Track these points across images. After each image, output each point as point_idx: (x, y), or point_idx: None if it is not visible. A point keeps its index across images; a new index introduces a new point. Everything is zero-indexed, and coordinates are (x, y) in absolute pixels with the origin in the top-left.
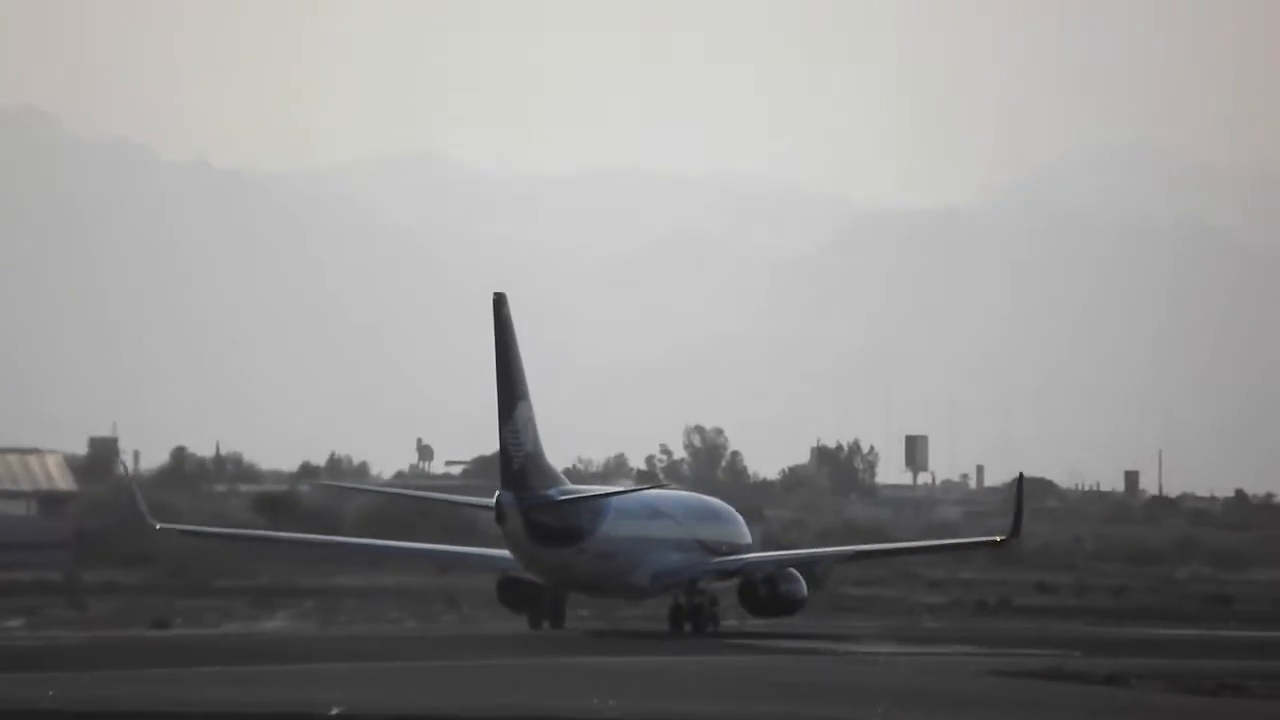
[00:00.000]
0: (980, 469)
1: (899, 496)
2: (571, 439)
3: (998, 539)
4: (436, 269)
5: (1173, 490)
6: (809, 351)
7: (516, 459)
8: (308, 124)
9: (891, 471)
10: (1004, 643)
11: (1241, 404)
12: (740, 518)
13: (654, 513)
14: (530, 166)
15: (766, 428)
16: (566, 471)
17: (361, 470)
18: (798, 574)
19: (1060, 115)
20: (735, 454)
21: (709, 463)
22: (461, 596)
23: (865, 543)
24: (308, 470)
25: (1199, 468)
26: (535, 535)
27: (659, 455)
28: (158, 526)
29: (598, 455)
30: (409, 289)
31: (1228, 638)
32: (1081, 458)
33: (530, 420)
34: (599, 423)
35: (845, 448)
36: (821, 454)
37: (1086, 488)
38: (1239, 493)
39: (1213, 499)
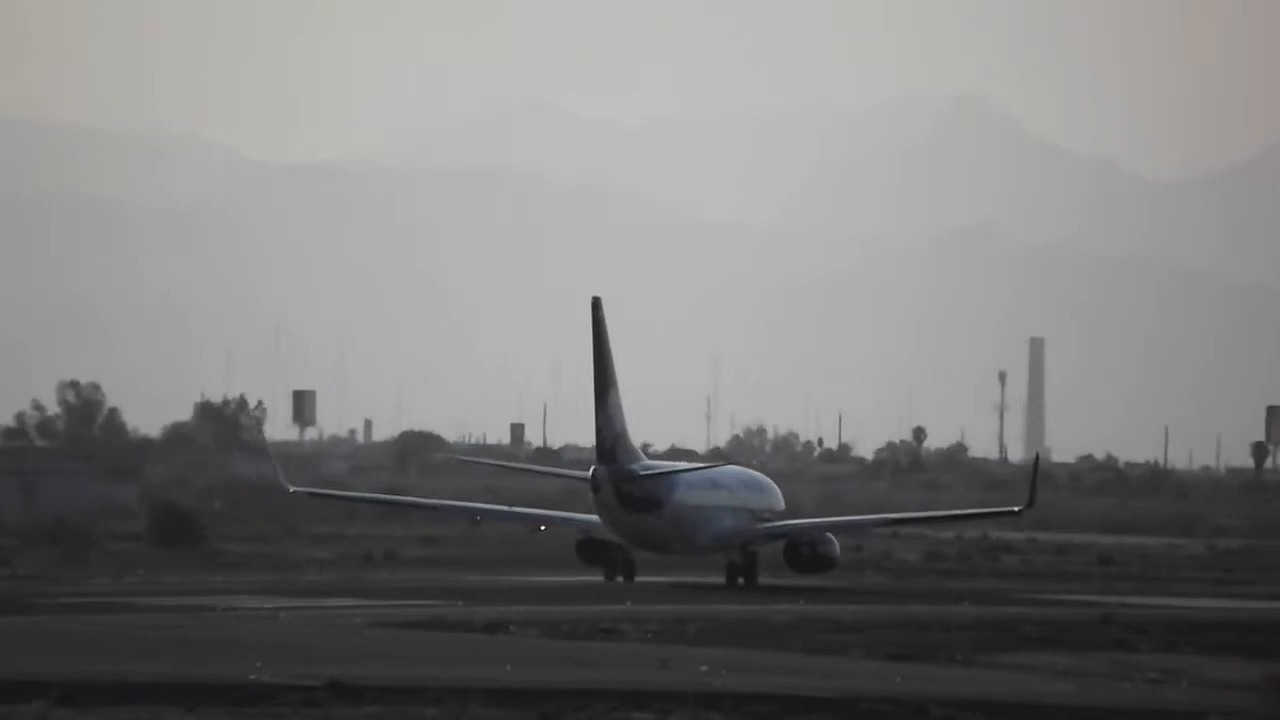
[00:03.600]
0: (369, 423)
1: (286, 452)
2: None
3: (1016, 509)
4: None
5: (557, 442)
6: (198, 309)
7: (609, 438)
8: None
9: (279, 427)
10: (390, 595)
11: (623, 359)
12: (776, 487)
13: (714, 484)
14: None
15: (149, 384)
16: None
17: None
18: (833, 537)
19: (468, 75)
20: (113, 410)
21: (84, 419)
22: None
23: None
24: None
25: (581, 420)
26: (624, 503)
27: (30, 411)
28: (291, 490)
29: None
30: None
31: (606, 584)
32: (469, 411)
33: (619, 406)
34: None
35: (231, 403)
36: (205, 409)
37: (473, 440)
38: None
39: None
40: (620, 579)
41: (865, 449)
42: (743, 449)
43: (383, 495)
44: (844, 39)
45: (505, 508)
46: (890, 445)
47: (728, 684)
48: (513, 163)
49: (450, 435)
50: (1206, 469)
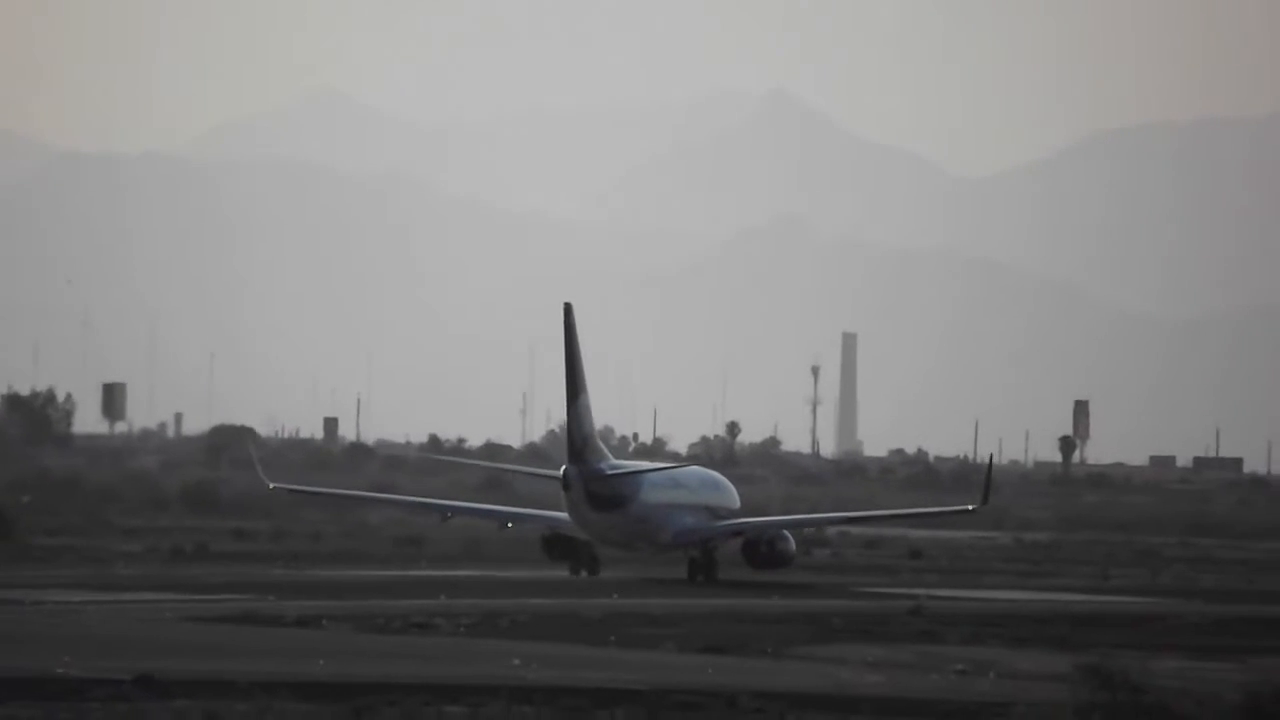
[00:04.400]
0: (179, 417)
1: (96, 446)
2: None
3: (970, 508)
4: None
5: (370, 437)
6: (4, 300)
7: (578, 439)
8: None
9: (89, 420)
10: (201, 589)
11: (435, 354)
12: (733, 487)
13: (675, 484)
14: None
15: None
16: None
17: None
18: (789, 535)
19: (264, 69)
20: None
21: None
22: None
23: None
24: None
25: (397, 414)
26: (592, 501)
27: None
28: (271, 486)
29: None
30: None
31: (418, 578)
32: (281, 405)
33: (588, 409)
34: None
35: (39, 395)
36: (12, 401)
37: (287, 434)
38: (433, 437)
39: (408, 444)
40: (585, 574)
41: (680, 443)
42: (559, 445)
43: (359, 492)
44: (655, 32)
45: (475, 504)
46: (705, 440)
47: (540, 677)
48: (317, 155)
49: (263, 429)
50: (1015, 463)
